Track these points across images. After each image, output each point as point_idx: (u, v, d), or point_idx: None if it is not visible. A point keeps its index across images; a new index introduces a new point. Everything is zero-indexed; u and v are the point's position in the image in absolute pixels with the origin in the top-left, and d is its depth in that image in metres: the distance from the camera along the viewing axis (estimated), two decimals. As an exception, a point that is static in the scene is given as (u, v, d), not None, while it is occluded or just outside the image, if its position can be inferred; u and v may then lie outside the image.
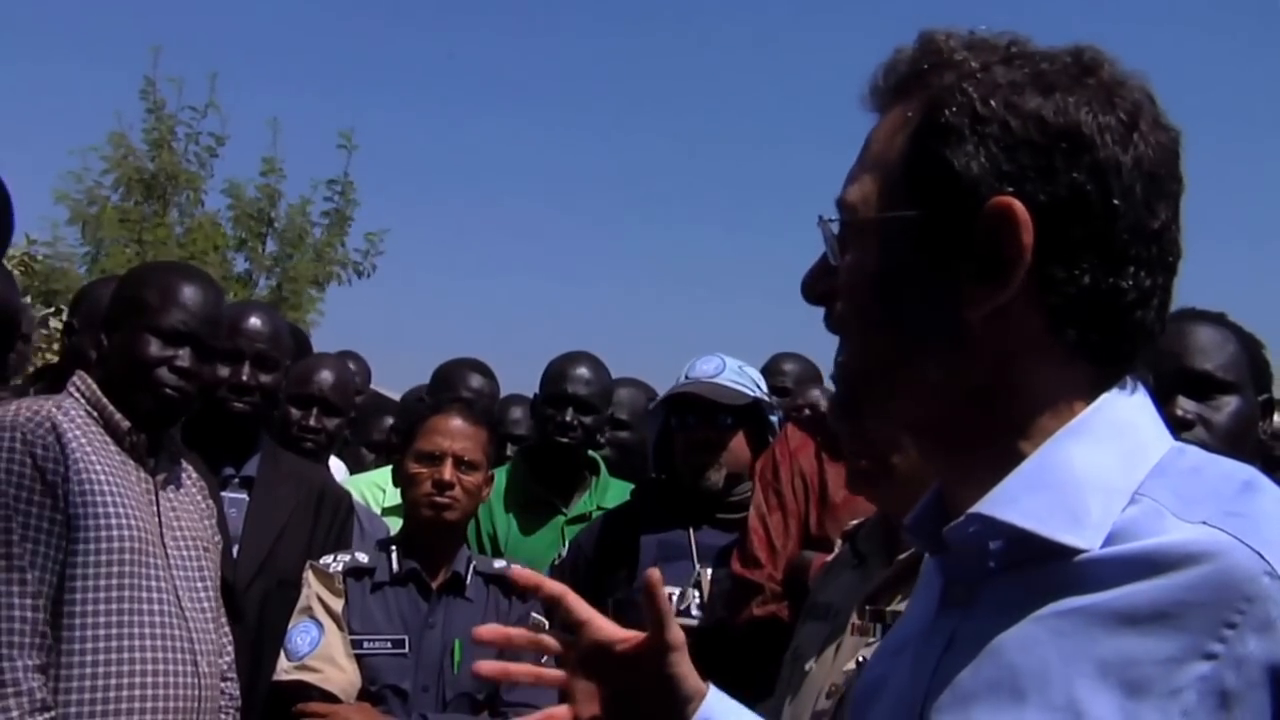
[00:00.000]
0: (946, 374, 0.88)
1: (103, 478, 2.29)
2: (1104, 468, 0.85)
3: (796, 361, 4.17)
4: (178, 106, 11.64)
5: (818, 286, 0.95)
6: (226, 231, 11.79)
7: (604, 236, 22.23)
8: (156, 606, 2.29)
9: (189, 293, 2.45)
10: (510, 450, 3.99)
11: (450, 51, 22.38)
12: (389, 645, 2.71)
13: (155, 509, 2.39)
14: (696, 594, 2.95)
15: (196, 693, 2.33)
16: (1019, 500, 0.85)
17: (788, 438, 2.93)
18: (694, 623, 2.89)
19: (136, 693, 2.24)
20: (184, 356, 2.41)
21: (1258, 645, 0.75)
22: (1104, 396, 0.88)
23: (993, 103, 0.85)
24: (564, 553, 3.29)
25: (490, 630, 1.21)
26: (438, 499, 2.78)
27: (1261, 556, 0.76)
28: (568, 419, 3.49)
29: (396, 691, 2.68)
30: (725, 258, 22.14)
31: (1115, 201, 0.84)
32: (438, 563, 2.81)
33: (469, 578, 2.82)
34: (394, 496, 3.58)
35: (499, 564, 2.92)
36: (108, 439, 2.37)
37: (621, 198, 23.05)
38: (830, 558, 2.28)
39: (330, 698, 2.63)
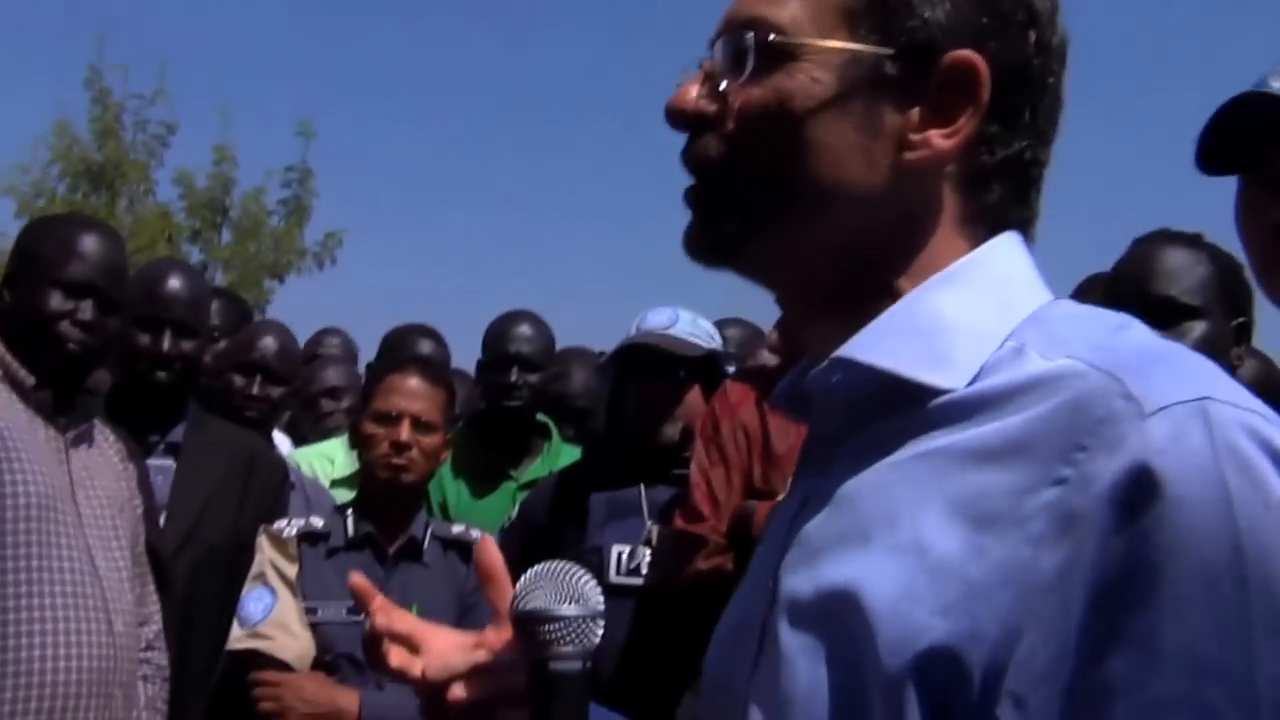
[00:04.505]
0: (857, 215, 0.86)
1: (6, 435, 2.21)
2: (975, 313, 0.84)
3: (740, 326, 4.14)
4: (124, 94, 11.52)
5: (702, 107, 0.88)
6: (178, 222, 11.66)
7: (570, 229, 22.12)
8: (67, 564, 2.21)
9: (88, 243, 2.36)
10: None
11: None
12: (343, 612, 2.63)
13: (65, 467, 2.31)
14: (648, 552, 2.88)
15: (111, 651, 2.25)
16: (882, 343, 0.84)
17: (727, 392, 2.88)
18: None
19: (49, 651, 2.15)
20: (85, 309, 2.33)
21: (1106, 463, 0.72)
22: (979, 249, 0.88)
23: None
24: (514, 516, 3.23)
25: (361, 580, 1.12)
26: (395, 460, 2.71)
27: (1118, 379, 0.75)
28: (513, 379, 3.42)
29: (351, 661, 2.60)
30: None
31: (1050, 80, 0.89)
32: (395, 527, 2.74)
33: (426, 543, 2.75)
34: (343, 467, 3.53)
35: (457, 529, 2.85)
36: (13, 396, 2.28)
37: (590, 191, 22.92)
38: (780, 499, 2.25)
39: (283, 666, 2.56)
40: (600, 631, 0.96)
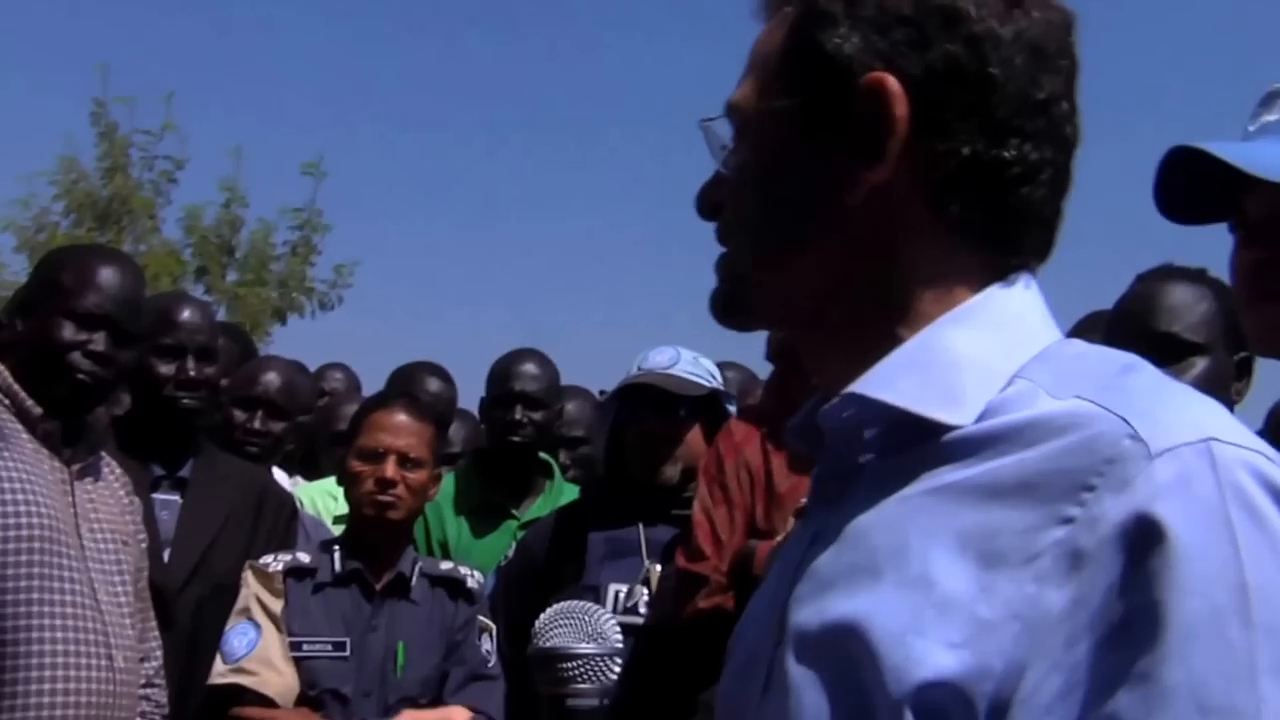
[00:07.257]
0: (832, 262, 0.88)
1: (13, 465, 2.21)
2: (984, 352, 0.85)
3: (736, 369, 4.16)
4: (130, 129, 11.36)
5: (711, 197, 0.96)
6: (184, 260, 11.61)
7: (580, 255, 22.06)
8: (69, 598, 2.21)
9: (106, 275, 2.36)
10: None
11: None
12: (329, 648, 2.64)
13: (70, 499, 2.30)
14: (645, 591, 2.88)
15: (111, 686, 2.24)
16: (894, 380, 0.85)
17: (732, 431, 2.88)
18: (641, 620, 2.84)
19: (47, 685, 2.14)
20: (99, 340, 2.32)
21: (1113, 504, 0.73)
22: (992, 287, 0.88)
23: None
24: (511, 554, 3.23)
25: None
26: (380, 497, 2.71)
27: (1126, 421, 0.76)
28: (517, 417, 3.43)
29: (336, 696, 2.61)
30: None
31: (992, 70, 0.85)
32: (382, 564, 2.74)
33: (414, 579, 2.75)
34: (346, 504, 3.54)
35: (445, 566, 2.86)
36: (19, 426, 2.28)
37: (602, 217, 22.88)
38: (780, 538, 2.25)
39: (267, 702, 2.55)
40: (617, 669, 0.96)
